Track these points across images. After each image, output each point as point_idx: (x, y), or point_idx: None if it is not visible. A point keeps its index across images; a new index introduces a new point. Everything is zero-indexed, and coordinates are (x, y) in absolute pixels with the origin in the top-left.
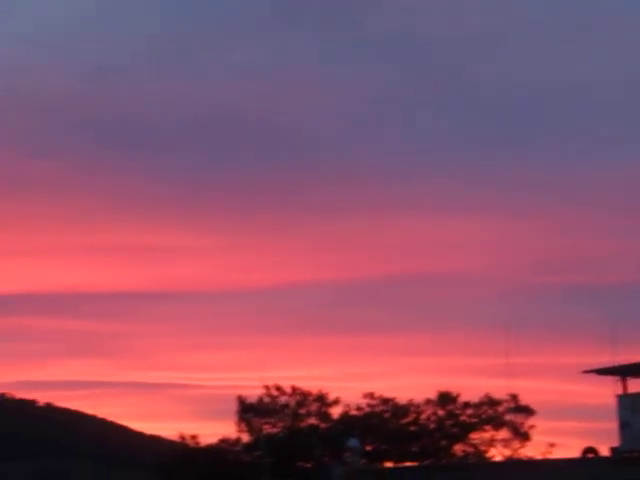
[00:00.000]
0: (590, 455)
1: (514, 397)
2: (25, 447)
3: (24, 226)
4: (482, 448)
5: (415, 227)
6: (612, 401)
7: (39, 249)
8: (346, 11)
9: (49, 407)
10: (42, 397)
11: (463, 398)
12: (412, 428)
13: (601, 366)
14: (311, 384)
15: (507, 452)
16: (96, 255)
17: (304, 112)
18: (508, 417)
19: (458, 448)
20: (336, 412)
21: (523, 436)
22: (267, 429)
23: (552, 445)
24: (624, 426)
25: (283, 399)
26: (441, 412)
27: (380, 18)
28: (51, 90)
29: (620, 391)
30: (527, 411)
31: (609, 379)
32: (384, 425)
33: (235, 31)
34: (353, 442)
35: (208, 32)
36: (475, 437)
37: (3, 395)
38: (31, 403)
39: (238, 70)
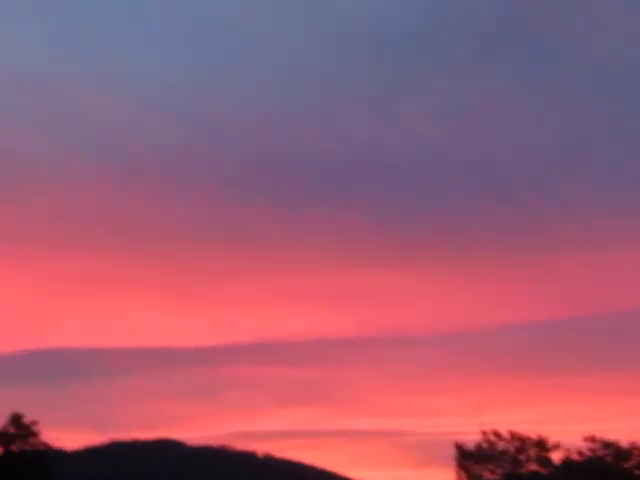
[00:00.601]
0: None
1: None
2: None
3: (235, 276)
4: None
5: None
6: None
7: (252, 298)
8: (543, 43)
9: (269, 458)
10: (260, 447)
11: None
12: (637, 472)
13: None
14: (528, 427)
15: None
16: (310, 302)
17: (509, 149)
18: None
19: None
20: (557, 457)
21: None
22: (486, 476)
23: None
24: None
25: (501, 444)
26: None
27: (580, 49)
28: (259, 140)
29: None
30: None
31: None
32: (608, 469)
33: (433, 73)
34: None
35: (408, 76)
36: None
37: (223, 447)
38: (251, 454)
39: (439, 110)
